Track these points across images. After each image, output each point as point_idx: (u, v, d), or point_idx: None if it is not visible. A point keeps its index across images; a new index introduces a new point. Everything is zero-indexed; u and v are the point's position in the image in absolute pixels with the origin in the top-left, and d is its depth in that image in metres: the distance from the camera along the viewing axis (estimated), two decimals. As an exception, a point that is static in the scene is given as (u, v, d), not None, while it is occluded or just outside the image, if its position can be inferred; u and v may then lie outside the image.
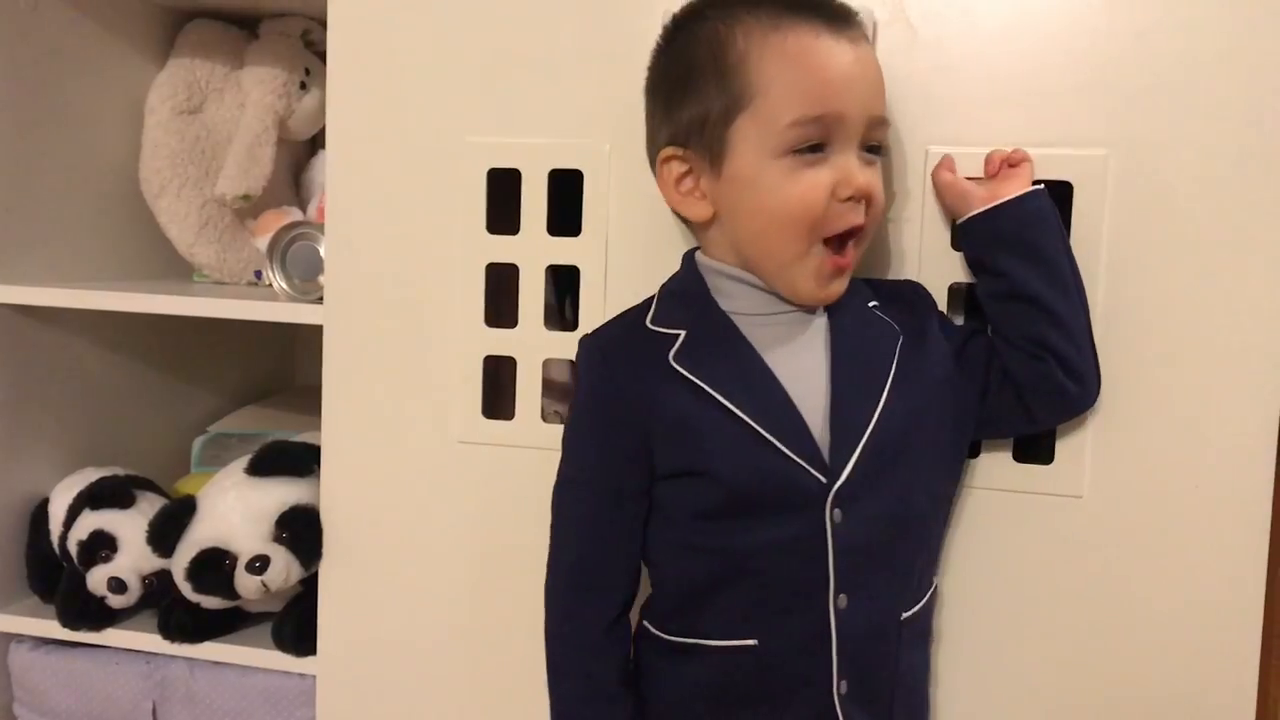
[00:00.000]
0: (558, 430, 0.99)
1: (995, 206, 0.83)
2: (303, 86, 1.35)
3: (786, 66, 0.76)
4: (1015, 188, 0.84)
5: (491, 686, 1.03)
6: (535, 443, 1.00)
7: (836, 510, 0.78)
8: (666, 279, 0.87)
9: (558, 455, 0.98)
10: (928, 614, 0.88)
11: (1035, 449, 0.91)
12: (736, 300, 0.83)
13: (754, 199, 0.79)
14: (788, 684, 0.81)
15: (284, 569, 1.05)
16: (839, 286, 0.81)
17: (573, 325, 0.99)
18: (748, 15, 0.78)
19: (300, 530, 1.06)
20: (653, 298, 0.87)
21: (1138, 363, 0.87)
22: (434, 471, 1.03)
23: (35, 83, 1.21)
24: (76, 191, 1.27)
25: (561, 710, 0.85)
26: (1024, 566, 0.91)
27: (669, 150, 0.82)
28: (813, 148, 0.77)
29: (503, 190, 0.99)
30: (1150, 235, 0.86)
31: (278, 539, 1.06)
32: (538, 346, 1.00)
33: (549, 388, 1.06)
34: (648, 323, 0.84)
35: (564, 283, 1.06)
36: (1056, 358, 0.82)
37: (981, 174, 0.87)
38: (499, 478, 1.01)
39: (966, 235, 0.87)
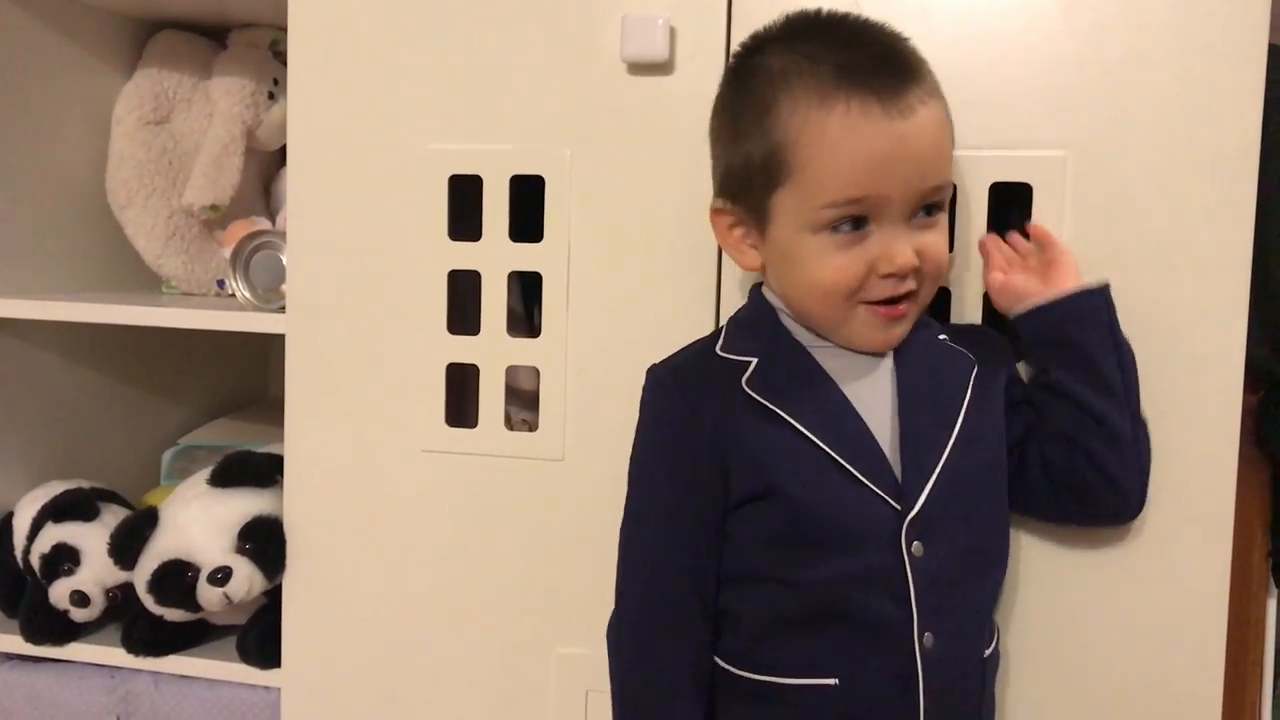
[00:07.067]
0: (522, 438, 0.99)
1: (1039, 306, 0.82)
2: (271, 97, 1.34)
3: (826, 148, 0.74)
4: (1065, 276, 0.82)
5: (457, 698, 1.02)
6: (498, 451, 0.99)
7: (916, 543, 0.75)
8: (734, 311, 0.86)
9: (522, 463, 0.99)
10: (998, 650, 0.84)
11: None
12: (804, 332, 0.81)
13: (792, 270, 0.78)
14: None
15: (247, 581, 1.04)
16: (898, 331, 0.79)
17: (538, 332, 0.98)
18: (798, 81, 0.75)
19: (263, 541, 1.05)
20: (720, 329, 0.85)
21: (1099, 364, 0.87)
22: (397, 480, 1.02)
23: (0, 94, 1.20)
24: (42, 203, 1.26)
25: None
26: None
27: (718, 203, 0.82)
28: (855, 224, 0.75)
29: (465, 197, 0.99)
30: (1109, 235, 0.86)
31: (240, 550, 1.04)
32: (501, 354, 0.99)
33: (514, 395, 1.06)
34: (718, 350, 0.82)
35: (530, 290, 1.06)
36: (1090, 457, 0.80)
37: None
38: (463, 486, 1.00)
39: (1017, 330, 0.85)
